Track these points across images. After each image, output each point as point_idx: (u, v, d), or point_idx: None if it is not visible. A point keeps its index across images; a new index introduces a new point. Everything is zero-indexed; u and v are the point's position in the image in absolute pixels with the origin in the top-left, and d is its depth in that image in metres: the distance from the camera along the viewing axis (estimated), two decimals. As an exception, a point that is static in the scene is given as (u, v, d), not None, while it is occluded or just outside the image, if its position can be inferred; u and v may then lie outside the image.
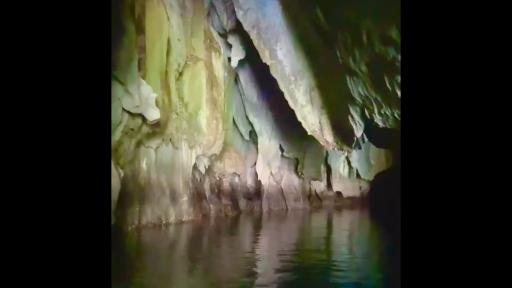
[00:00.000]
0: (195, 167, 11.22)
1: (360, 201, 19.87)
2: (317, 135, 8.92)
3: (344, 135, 8.33)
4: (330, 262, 5.37)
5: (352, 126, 7.66)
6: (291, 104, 9.19)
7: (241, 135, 15.05)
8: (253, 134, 15.19)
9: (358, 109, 7.09)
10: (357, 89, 6.42)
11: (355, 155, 17.37)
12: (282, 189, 15.44)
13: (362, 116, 7.08)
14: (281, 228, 10.67)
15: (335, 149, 8.67)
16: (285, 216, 13.64)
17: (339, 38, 6.31)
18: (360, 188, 19.41)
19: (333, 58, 7.01)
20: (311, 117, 8.95)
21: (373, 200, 20.28)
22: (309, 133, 9.10)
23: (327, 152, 17.28)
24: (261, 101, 13.92)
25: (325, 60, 7.76)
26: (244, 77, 13.63)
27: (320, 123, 8.76)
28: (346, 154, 8.61)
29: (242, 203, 13.95)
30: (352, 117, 7.46)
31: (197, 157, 10.69)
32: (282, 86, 9.25)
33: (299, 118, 9.12)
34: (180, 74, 10.15)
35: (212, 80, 10.81)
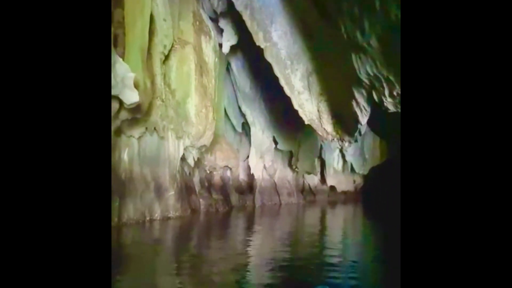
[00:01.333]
0: (183, 159, 10.17)
1: (353, 195, 19.09)
2: (315, 125, 7.91)
3: (345, 124, 7.31)
4: (325, 263, 4.68)
5: (356, 113, 6.64)
6: (286, 90, 8.17)
7: (233, 127, 14.01)
8: (245, 126, 14.18)
9: (364, 92, 6.07)
10: (364, 68, 5.39)
11: (350, 149, 16.52)
12: (275, 183, 14.47)
13: (369, 100, 6.04)
14: (274, 224, 9.72)
15: (335, 139, 7.67)
16: (278, 211, 12.74)
17: (344, 10, 5.30)
18: (354, 182, 18.58)
19: (335, 35, 6.00)
20: (308, 104, 7.94)
21: (367, 194, 19.53)
22: (306, 122, 8.08)
23: (321, 146, 16.40)
24: (254, 91, 12.88)
25: (325, 40, 6.74)
26: (237, 65, 12.57)
27: (318, 111, 7.76)
28: (346, 144, 7.58)
29: (234, 197, 12.94)
30: (356, 102, 6.44)
31: (185, 149, 9.63)
32: (277, 71, 8.23)
33: (296, 106, 8.10)
34: (167, 58, 9.09)
35: (201, 66, 9.73)
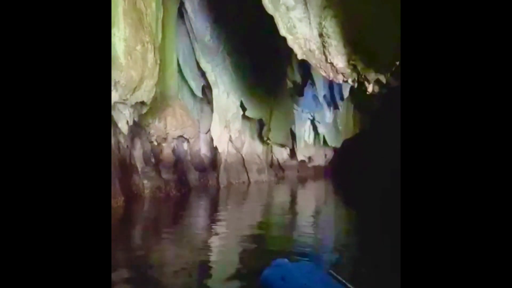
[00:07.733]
0: (113, 123, 6.21)
1: (324, 170, 16.05)
2: (314, 59, 4.34)
3: (377, 48, 3.72)
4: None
5: None
6: (267, 6, 4.42)
7: (192, 91, 10.05)
8: (207, 91, 10.29)
9: None
10: None
11: (327, 117, 13.34)
12: (243, 158, 10.85)
13: None
14: (243, 209, 6.23)
15: (349, 81, 4.18)
16: (248, 192, 9.28)
17: None
18: (326, 156, 15.52)
19: None
20: (303, 26, 4.31)
21: (338, 169, 16.64)
22: (299, 57, 4.47)
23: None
24: (217, 41, 8.94)
25: None
26: (192, 5, 8.53)
27: (321, 35, 4.20)
28: (370, 89, 4.02)
29: (193, 176, 9.17)
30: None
31: (112, 106, 5.66)
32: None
33: (283, 32, 4.42)
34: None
35: (134, -20, 5.66)
